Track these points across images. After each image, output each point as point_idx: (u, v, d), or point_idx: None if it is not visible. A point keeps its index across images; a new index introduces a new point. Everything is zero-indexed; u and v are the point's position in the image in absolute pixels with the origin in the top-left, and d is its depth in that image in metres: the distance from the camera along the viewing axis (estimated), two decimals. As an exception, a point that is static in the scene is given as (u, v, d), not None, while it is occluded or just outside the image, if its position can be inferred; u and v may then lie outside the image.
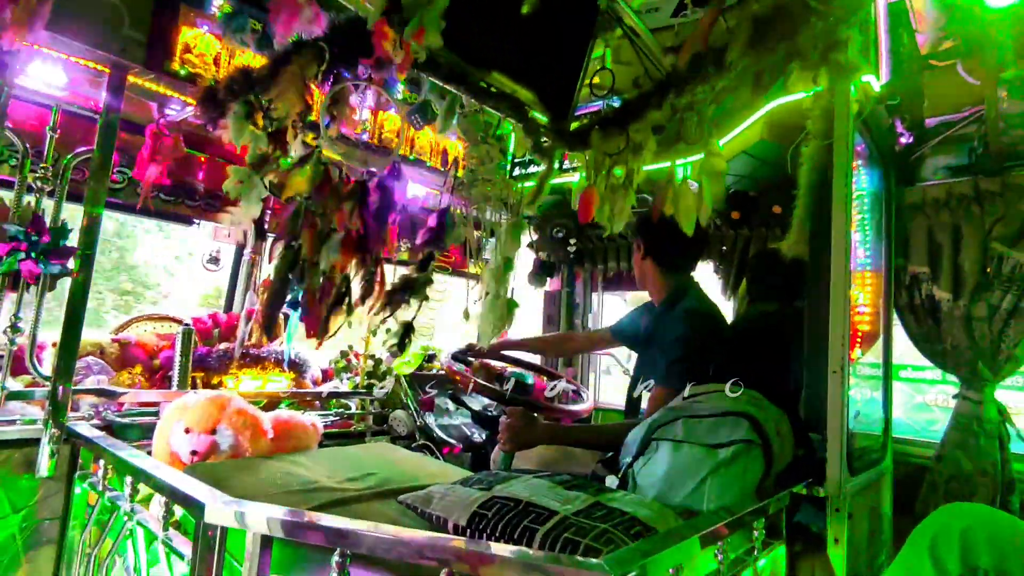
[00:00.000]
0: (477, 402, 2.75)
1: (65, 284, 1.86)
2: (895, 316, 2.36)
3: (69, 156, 2.00)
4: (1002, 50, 2.11)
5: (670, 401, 1.92)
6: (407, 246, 3.16)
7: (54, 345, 2.07)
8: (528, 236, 3.63)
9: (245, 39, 1.95)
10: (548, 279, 3.68)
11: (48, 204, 1.92)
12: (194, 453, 1.65)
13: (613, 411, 3.34)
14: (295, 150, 1.90)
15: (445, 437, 2.56)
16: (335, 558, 0.99)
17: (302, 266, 1.81)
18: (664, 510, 1.36)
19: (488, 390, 2.24)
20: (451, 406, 2.75)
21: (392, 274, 2.05)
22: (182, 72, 2.04)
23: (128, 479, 1.45)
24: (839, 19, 1.46)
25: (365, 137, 2.64)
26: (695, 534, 1.12)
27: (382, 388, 2.77)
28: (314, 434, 2.03)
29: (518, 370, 2.98)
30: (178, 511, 1.38)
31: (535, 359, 3.61)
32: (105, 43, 1.86)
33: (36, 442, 1.75)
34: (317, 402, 2.63)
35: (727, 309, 2.60)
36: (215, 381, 2.45)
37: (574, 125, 2.17)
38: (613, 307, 4.23)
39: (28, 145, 1.95)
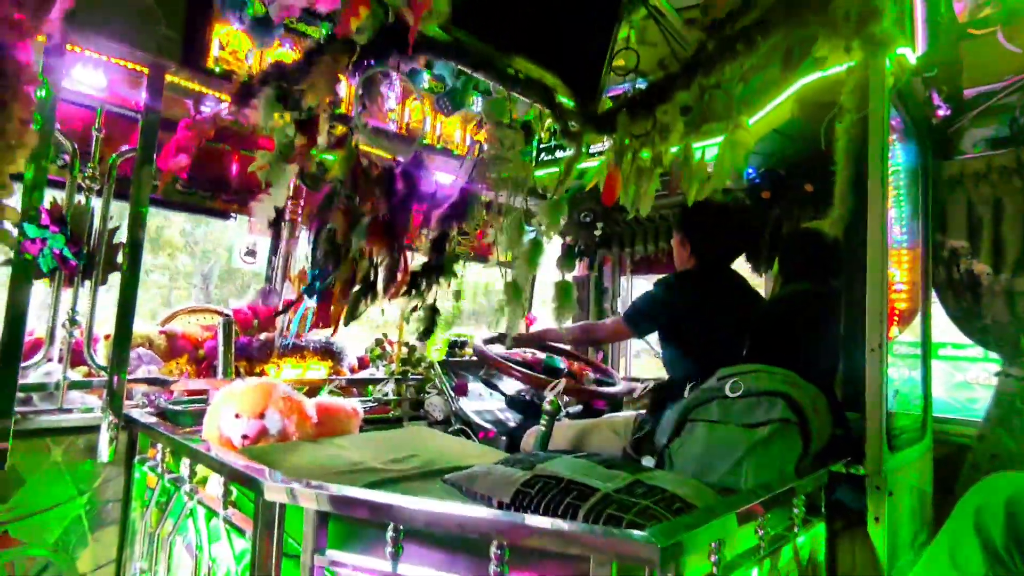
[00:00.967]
0: (511, 387, 2.79)
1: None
2: (933, 293, 2.32)
3: (114, 155, 2.08)
4: (1046, 15, 2.04)
5: (612, 331, 2.39)
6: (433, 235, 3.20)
7: (107, 337, 2.17)
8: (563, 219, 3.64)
9: (245, 19, 1.95)
10: (576, 263, 3.69)
11: (97, 203, 2.00)
12: (245, 437, 1.73)
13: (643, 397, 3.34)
14: (323, 141, 1.95)
15: (480, 421, 2.61)
16: (389, 533, 1.04)
17: (339, 251, 1.86)
18: (703, 488, 1.39)
19: (521, 374, 2.29)
20: (485, 391, 2.80)
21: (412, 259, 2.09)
22: (217, 69, 2.10)
23: (186, 461, 1.53)
24: (873, -10, 1.43)
25: (393, 127, 2.68)
26: (735, 510, 1.14)
27: (391, 376, 2.81)
28: (355, 418, 2.10)
29: (547, 355, 3.01)
30: (234, 491, 1.45)
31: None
32: (143, 43, 1.91)
33: (96, 429, 1.84)
34: (355, 389, 2.70)
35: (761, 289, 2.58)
36: (257, 370, 2.54)
37: (602, 107, 2.17)
38: (643, 291, 4.22)
39: (77, 145, 2.03)
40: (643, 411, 2.26)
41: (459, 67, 1.81)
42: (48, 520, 1.81)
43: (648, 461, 1.77)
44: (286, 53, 2.21)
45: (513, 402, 2.78)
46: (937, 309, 2.37)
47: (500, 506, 1.28)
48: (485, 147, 2.26)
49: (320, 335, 2.84)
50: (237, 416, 1.76)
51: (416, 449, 1.78)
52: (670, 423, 1.78)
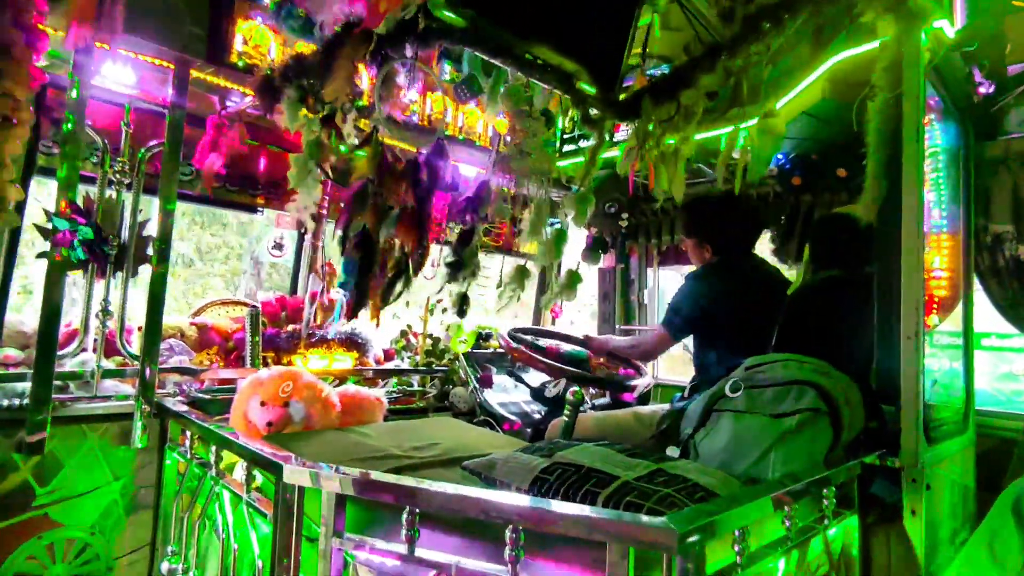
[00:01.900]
0: (536, 379, 2.78)
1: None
2: (976, 280, 2.22)
3: (143, 150, 2.13)
4: (1098, -16, 1.92)
5: (657, 340, 2.27)
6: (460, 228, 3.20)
7: (139, 329, 2.23)
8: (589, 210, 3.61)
9: (294, 26, 1.99)
10: (602, 255, 3.65)
11: (127, 197, 2.05)
12: (269, 424, 1.75)
13: (673, 387, 3.30)
14: (348, 134, 1.96)
15: (504, 413, 2.60)
16: (404, 515, 1.04)
17: (374, 246, 1.89)
18: (728, 478, 1.35)
19: (546, 366, 2.28)
20: (510, 383, 2.79)
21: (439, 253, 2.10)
22: (240, 64, 2.13)
23: (213, 448, 1.56)
24: (908, -40, 1.37)
25: (415, 119, 2.68)
26: (760, 498, 1.11)
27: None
28: (379, 408, 2.11)
29: (572, 347, 2.98)
30: (258, 477, 1.47)
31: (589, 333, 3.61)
32: (169, 40, 1.95)
33: (130, 416, 1.90)
34: (380, 380, 2.72)
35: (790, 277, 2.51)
36: (285, 360, 2.58)
37: (623, 95, 2.13)
38: (670, 283, 4.15)
39: (107, 141, 2.08)
40: (673, 397, 2.24)
41: (477, 54, 1.79)
42: (85, 504, 1.87)
43: (673, 451, 1.73)
44: (305, 44, 2.23)
45: (538, 394, 2.77)
46: (980, 297, 2.26)
47: (519, 492, 1.27)
48: (507, 139, 2.24)
49: (346, 327, 2.86)
50: (263, 404, 1.79)
51: (438, 438, 1.78)
52: (695, 413, 1.74)
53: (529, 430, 2.61)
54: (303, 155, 1.90)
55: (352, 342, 2.79)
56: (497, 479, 1.32)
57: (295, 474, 1.16)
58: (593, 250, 3.61)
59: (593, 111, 2.12)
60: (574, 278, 2.00)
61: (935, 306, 2.05)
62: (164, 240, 2.01)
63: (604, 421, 2.26)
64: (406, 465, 1.49)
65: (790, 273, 2.60)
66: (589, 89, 2.05)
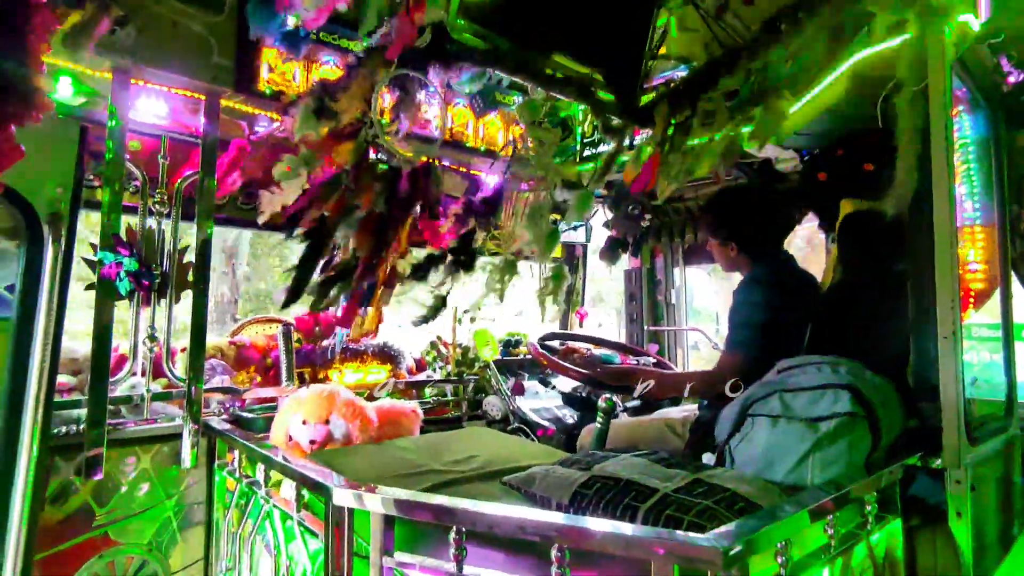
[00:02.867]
0: (567, 384, 2.80)
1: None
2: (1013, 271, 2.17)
3: (180, 180, 2.21)
4: None
5: (734, 366, 2.00)
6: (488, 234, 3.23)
7: (183, 351, 2.31)
8: (603, 215, 3.62)
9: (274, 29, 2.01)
10: (622, 255, 3.65)
11: (167, 225, 2.13)
12: (313, 442, 1.81)
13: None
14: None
15: (538, 420, 2.63)
16: (452, 535, 1.07)
17: (326, 240, 1.90)
18: (767, 486, 1.36)
19: (574, 372, 2.30)
20: (541, 389, 2.82)
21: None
22: (267, 91, 2.19)
23: (261, 467, 1.62)
24: (928, -43, 1.36)
25: (436, 133, 2.72)
26: (802, 508, 1.12)
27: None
28: (415, 420, 2.16)
29: (603, 351, 3.00)
30: (307, 494, 1.52)
31: (619, 338, 3.62)
32: (199, 72, 2.02)
33: (179, 436, 1.98)
34: (414, 391, 2.78)
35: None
36: (321, 375, 2.64)
37: (644, 99, 2.14)
38: (697, 281, 4.13)
39: (145, 173, 2.17)
40: (700, 404, 2.23)
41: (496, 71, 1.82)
42: (142, 522, 1.96)
43: (708, 458, 1.74)
44: (331, 70, 2.28)
45: (570, 399, 2.79)
46: (1019, 288, 2.21)
47: (559, 507, 1.29)
48: (519, 146, 2.27)
49: (378, 339, 2.92)
50: (304, 423, 1.85)
51: (476, 450, 1.81)
52: (729, 419, 1.75)
53: (562, 436, 2.64)
54: (299, 159, 1.94)
55: (385, 354, 2.85)
56: (537, 494, 1.35)
57: (344, 496, 1.21)
58: (611, 250, 3.61)
59: (612, 119, 2.14)
60: (558, 274, 1.99)
61: (971, 300, 2.02)
62: (203, 265, 2.08)
63: (636, 427, 2.27)
64: (446, 481, 1.52)
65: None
66: (608, 98, 2.06)
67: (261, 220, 2.14)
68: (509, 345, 3.27)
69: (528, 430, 2.59)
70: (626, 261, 3.73)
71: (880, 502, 1.41)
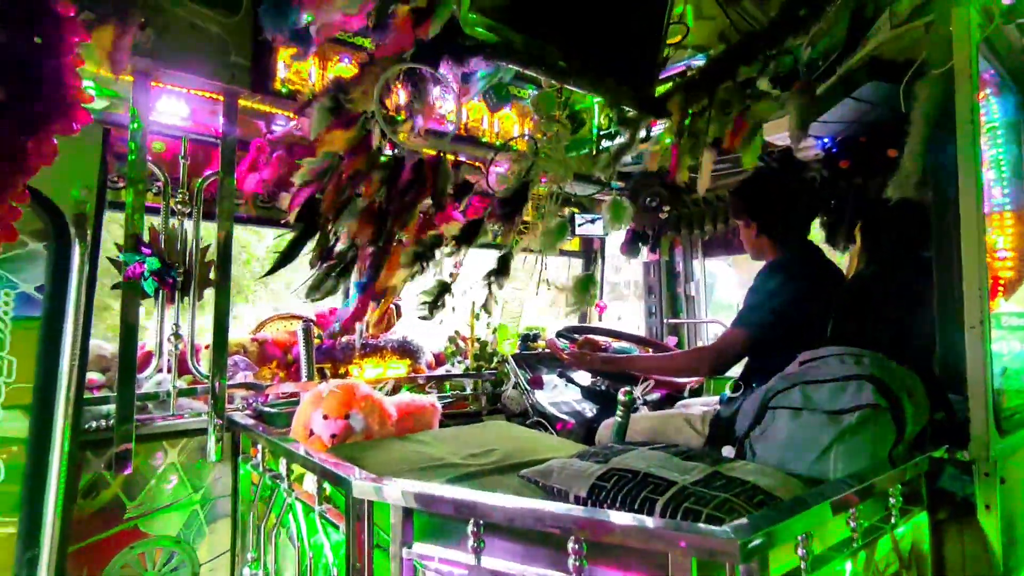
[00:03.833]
0: (585, 378, 2.80)
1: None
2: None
3: (200, 180, 2.25)
4: None
5: (735, 342, 2.03)
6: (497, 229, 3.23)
7: (207, 347, 2.36)
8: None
9: (285, 27, 2.03)
10: (642, 248, 3.62)
11: (188, 224, 2.17)
12: (333, 436, 1.84)
13: (723, 379, 3.26)
14: (375, 143, 1.99)
15: (556, 413, 2.63)
16: (470, 527, 1.08)
17: (314, 219, 1.89)
18: (788, 479, 1.34)
19: (574, 363, 2.30)
20: (560, 383, 2.82)
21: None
22: (284, 91, 2.21)
23: (283, 460, 1.65)
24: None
25: (452, 128, 2.72)
26: (823, 501, 1.10)
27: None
28: (434, 414, 2.17)
29: (622, 343, 2.99)
30: (327, 487, 1.55)
31: (638, 331, 3.60)
32: (217, 73, 2.05)
33: (204, 432, 2.02)
34: (434, 385, 2.79)
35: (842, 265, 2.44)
36: (342, 371, 2.68)
37: (660, 90, 2.12)
38: (719, 273, 4.09)
39: (167, 173, 2.21)
40: (721, 398, 2.20)
41: (509, 65, 1.81)
42: (170, 515, 2.01)
43: (728, 451, 1.73)
44: (345, 68, 2.30)
45: (589, 393, 2.79)
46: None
47: (576, 500, 1.29)
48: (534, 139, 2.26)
49: (397, 335, 2.95)
50: (325, 417, 1.87)
51: (494, 443, 1.82)
52: (750, 411, 1.73)
53: (581, 429, 2.63)
54: (315, 160, 1.95)
55: (405, 349, 2.87)
56: (554, 486, 1.35)
57: (364, 489, 1.22)
58: (632, 244, 3.58)
59: (627, 111, 2.12)
60: (587, 282, 1.98)
61: (1001, 288, 1.96)
62: (224, 263, 2.12)
63: (656, 421, 2.26)
64: (465, 474, 1.53)
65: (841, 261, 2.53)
66: (623, 89, 2.04)
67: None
68: (527, 339, 3.27)
69: (547, 424, 2.59)
70: (644, 253, 3.70)
71: (905, 495, 1.38)
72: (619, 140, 3.06)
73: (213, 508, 2.07)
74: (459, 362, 3.02)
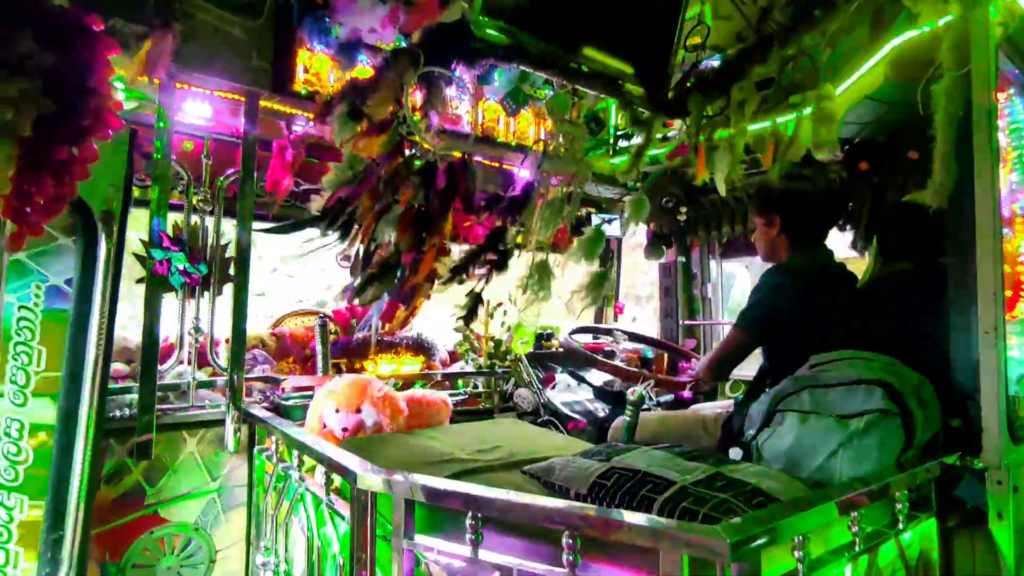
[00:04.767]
0: (598, 377, 2.80)
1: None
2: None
3: (221, 179, 2.31)
4: None
5: (735, 342, 2.04)
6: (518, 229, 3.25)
7: (227, 341, 2.42)
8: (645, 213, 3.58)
9: (328, 41, 2.07)
10: (664, 251, 3.61)
11: (210, 222, 2.24)
12: (345, 430, 1.88)
13: (739, 382, 3.23)
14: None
15: (568, 412, 2.64)
16: (468, 520, 1.10)
17: (355, 231, 1.92)
18: (791, 482, 1.34)
19: (608, 367, 2.30)
20: (572, 382, 2.83)
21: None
22: (303, 92, 2.26)
23: (295, 452, 1.69)
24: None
25: (467, 128, 2.75)
26: (821, 503, 1.10)
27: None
28: (446, 410, 2.21)
29: (637, 345, 2.98)
30: (336, 479, 1.59)
31: (651, 332, 3.58)
32: (239, 75, 2.12)
33: (222, 423, 2.08)
34: (447, 382, 2.83)
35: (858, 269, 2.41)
36: (357, 366, 2.73)
37: (672, 92, 2.11)
38: (736, 275, 4.05)
39: (190, 172, 2.28)
40: (735, 399, 2.20)
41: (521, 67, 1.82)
42: (188, 502, 2.08)
43: (735, 453, 1.72)
44: (362, 69, 2.34)
45: (601, 393, 2.79)
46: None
47: (577, 497, 1.31)
48: (549, 141, 2.26)
49: (412, 332, 2.99)
50: (337, 411, 1.92)
51: (501, 440, 1.85)
52: (759, 413, 1.72)
53: (593, 429, 2.64)
54: (343, 164, 1.99)
55: (419, 346, 2.91)
56: (556, 483, 1.36)
57: (368, 480, 1.26)
58: (654, 246, 3.57)
59: (641, 111, 2.12)
60: (600, 279, 1.98)
61: (1022, 293, 1.91)
62: (244, 259, 2.18)
63: (666, 421, 2.26)
64: (469, 469, 1.56)
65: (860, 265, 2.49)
66: (637, 90, 2.04)
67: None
68: (541, 338, 3.28)
69: (558, 423, 2.60)
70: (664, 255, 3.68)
71: (913, 501, 1.37)
72: (636, 140, 3.07)
73: (230, 497, 2.13)
74: (473, 360, 3.05)
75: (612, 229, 3.75)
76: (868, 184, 2.54)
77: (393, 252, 2.00)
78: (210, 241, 2.19)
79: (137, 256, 1.99)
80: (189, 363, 2.17)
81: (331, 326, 2.76)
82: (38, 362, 1.70)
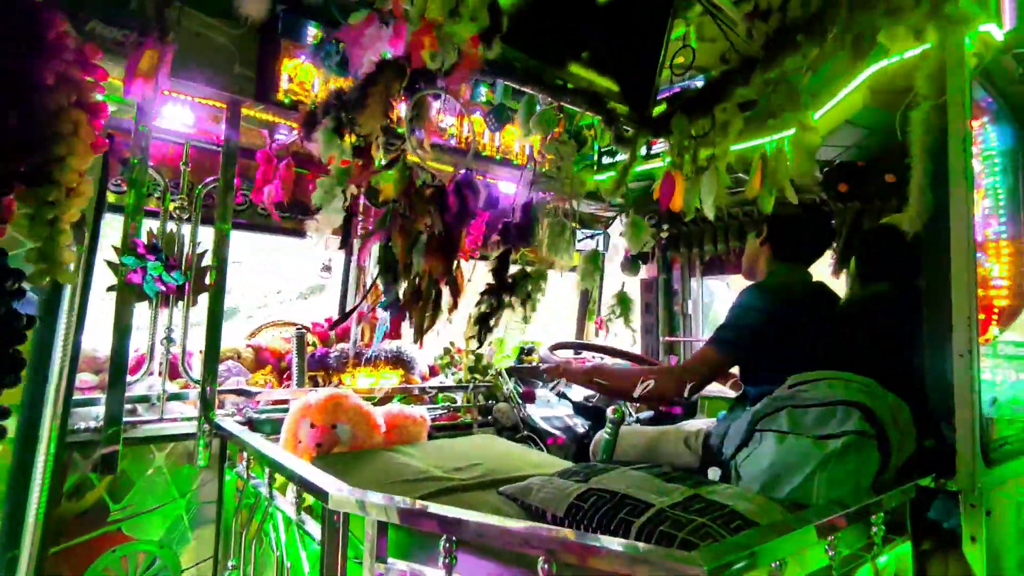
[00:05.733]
0: (578, 393, 2.78)
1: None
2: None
3: (200, 186, 2.27)
4: None
5: (705, 360, 1.96)
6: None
7: (200, 352, 2.37)
8: (619, 224, 3.60)
9: (332, 64, 2.09)
10: (641, 266, 3.62)
11: (186, 229, 2.19)
12: (319, 446, 1.84)
13: (720, 399, 3.23)
14: (378, 160, 2.01)
15: (548, 428, 2.62)
16: (443, 543, 1.07)
17: (396, 267, 1.92)
18: (768, 503, 1.33)
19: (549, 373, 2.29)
20: (553, 398, 2.81)
21: (471, 271, 2.11)
22: (287, 101, 2.24)
23: (266, 469, 1.64)
24: (945, -33, 1.33)
25: (452, 142, 2.74)
26: (798, 527, 1.09)
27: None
28: (423, 426, 2.17)
29: (614, 360, 2.98)
30: (309, 497, 1.54)
31: (633, 348, 3.58)
32: (221, 83, 2.09)
33: (193, 436, 2.02)
34: (426, 396, 2.79)
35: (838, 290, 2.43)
36: (335, 380, 2.68)
37: (657, 110, 2.13)
38: (717, 292, 4.07)
39: (167, 179, 2.23)
40: (718, 417, 2.19)
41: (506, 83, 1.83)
42: (154, 519, 2.01)
43: (714, 473, 1.71)
44: (345, 80, 2.32)
45: (581, 408, 2.77)
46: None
47: (554, 520, 1.29)
48: (539, 158, 2.26)
49: (391, 345, 2.95)
50: (312, 426, 1.87)
51: (479, 458, 1.82)
52: (738, 433, 1.72)
53: (573, 445, 2.62)
54: (330, 179, 1.97)
55: (398, 360, 2.87)
56: (533, 505, 1.34)
57: (340, 501, 1.22)
58: (632, 262, 3.59)
59: (625, 129, 2.13)
60: (625, 302, 1.98)
61: (995, 316, 1.95)
62: (221, 269, 2.13)
63: (650, 436, 2.24)
64: (445, 488, 1.53)
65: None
66: (621, 108, 2.06)
67: (329, 246, 2.17)
68: (523, 352, 3.26)
69: (537, 438, 2.58)
70: (643, 270, 3.70)
71: (888, 523, 1.37)
72: (621, 157, 3.09)
73: (198, 513, 2.06)
74: (453, 374, 3.02)
75: (595, 244, 3.76)
76: (847, 206, 2.58)
77: (430, 282, 1.97)
78: (186, 250, 2.14)
79: (109, 264, 1.94)
80: (160, 374, 2.11)
81: (309, 338, 2.72)
82: (-1, 371, 1.64)
